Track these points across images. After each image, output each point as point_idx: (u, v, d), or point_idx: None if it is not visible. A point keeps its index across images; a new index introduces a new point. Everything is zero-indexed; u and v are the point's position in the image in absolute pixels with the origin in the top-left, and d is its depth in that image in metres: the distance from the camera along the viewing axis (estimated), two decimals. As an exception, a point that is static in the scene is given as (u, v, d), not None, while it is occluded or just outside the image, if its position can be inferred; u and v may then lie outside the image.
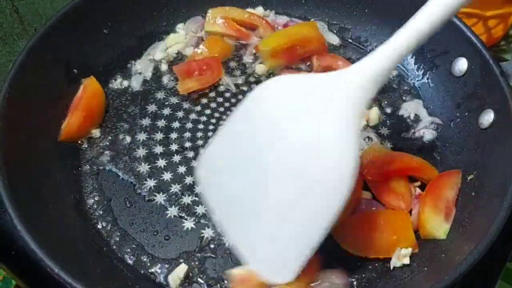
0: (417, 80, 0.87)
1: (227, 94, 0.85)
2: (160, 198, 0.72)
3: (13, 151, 0.65)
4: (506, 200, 0.62)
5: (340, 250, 0.67)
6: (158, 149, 0.77)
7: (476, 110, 0.75)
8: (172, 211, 0.71)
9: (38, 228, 0.60)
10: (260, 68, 0.88)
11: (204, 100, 0.84)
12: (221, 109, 0.83)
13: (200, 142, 0.78)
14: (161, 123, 0.81)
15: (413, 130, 0.81)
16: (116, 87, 0.85)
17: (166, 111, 0.82)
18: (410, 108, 0.84)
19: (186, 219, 0.70)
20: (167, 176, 0.74)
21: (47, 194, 0.68)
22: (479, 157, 0.72)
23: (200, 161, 0.66)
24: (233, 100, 0.84)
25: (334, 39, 0.94)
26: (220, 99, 0.84)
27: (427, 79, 0.86)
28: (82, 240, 0.67)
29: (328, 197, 0.55)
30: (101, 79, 0.83)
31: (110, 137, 0.78)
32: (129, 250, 0.68)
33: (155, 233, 0.69)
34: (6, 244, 0.68)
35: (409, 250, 0.66)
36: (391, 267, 0.66)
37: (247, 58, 0.90)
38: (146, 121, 0.81)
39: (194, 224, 0.70)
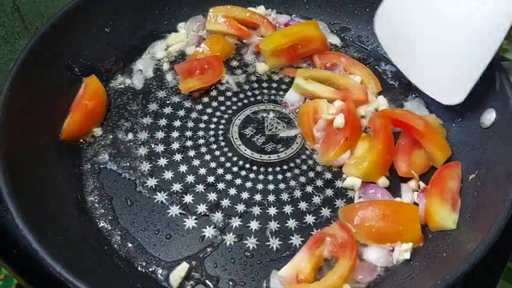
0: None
1: (229, 93, 0.85)
2: (161, 197, 0.72)
3: (15, 149, 0.65)
4: (508, 199, 0.62)
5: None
6: (159, 148, 0.77)
7: (478, 110, 0.75)
8: (173, 210, 0.71)
9: (40, 227, 0.60)
10: (261, 67, 0.88)
11: (206, 99, 0.84)
12: (223, 108, 0.83)
13: (201, 141, 0.78)
14: (162, 121, 0.81)
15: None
16: (117, 86, 0.85)
17: (167, 110, 0.82)
18: (412, 107, 0.85)
19: (187, 218, 0.70)
20: (168, 175, 0.74)
21: (49, 193, 0.68)
22: (480, 156, 0.72)
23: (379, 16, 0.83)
24: (234, 99, 0.85)
25: (335, 40, 0.94)
26: (221, 98, 0.84)
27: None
28: (83, 239, 0.67)
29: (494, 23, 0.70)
30: (103, 78, 0.83)
31: (111, 136, 0.78)
32: (130, 249, 0.68)
33: (156, 232, 0.69)
34: (7, 243, 0.68)
35: (410, 244, 0.67)
36: (393, 262, 0.67)
37: (249, 57, 0.91)
38: (147, 120, 0.81)
39: (195, 223, 0.70)
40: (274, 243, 0.69)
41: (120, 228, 0.69)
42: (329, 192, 0.74)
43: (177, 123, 0.80)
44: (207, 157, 0.77)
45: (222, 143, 0.78)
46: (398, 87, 0.87)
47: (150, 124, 0.80)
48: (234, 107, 0.83)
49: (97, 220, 0.70)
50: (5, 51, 0.95)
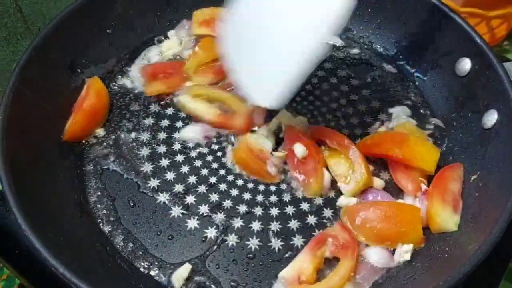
0: (420, 80, 0.87)
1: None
2: (163, 197, 0.72)
3: (17, 150, 0.66)
4: (509, 200, 0.62)
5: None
6: (161, 149, 0.77)
7: (479, 110, 0.75)
8: (176, 211, 0.71)
9: (42, 228, 0.60)
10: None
11: (207, 100, 0.84)
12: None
13: (203, 142, 0.78)
14: (164, 122, 0.81)
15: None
16: (119, 87, 0.85)
17: (169, 111, 0.82)
18: (397, 113, 0.84)
19: (189, 219, 0.70)
20: (170, 175, 0.75)
21: (51, 194, 0.68)
22: (482, 157, 0.72)
23: (227, 25, 0.74)
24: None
25: (336, 40, 0.94)
26: (223, 99, 0.85)
27: (431, 79, 0.86)
28: (85, 240, 0.67)
29: (310, 33, 0.66)
30: (105, 79, 0.83)
31: (113, 137, 0.79)
32: (132, 249, 0.68)
33: (158, 232, 0.69)
34: (10, 243, 0.68)
35: (410, 246, 0.67)
36: (394, 263, 0.67)
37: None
38: (149, 121, 0.81)
39: (197, 224, 0.70)
40: (276, 243, 0.69)
41: (122, 229, 0.70)
42: (330, 193, 0.74)
43: (179, 124, 0.80)
44: (209, 157, 0.77)
45: (224, 144, 0.78)
46: (400, 89, 0.87)
47: (152, 125, 0.80)
48: (236, 108, 0.83)
49: (100, 221, 0.70)
50: (7, 52, 0.95)
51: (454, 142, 0.78)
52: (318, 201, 0.73)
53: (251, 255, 0.68)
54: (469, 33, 0.77)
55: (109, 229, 0.70)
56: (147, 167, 0.75)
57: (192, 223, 0.70)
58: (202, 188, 0.73)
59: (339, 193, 0.74)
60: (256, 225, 0.70)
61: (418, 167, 0.73)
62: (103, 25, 0.84)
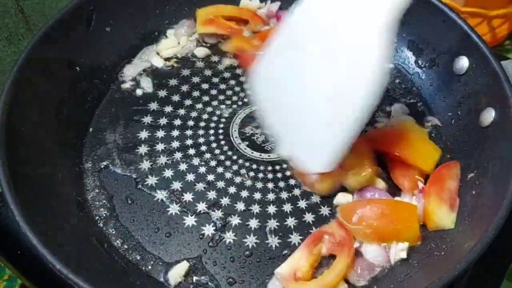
0: (418, 79, 0.87)
1: (229, 92, 0.86)
2: (161, 195, 0.73)
3: (15, 148, 0.66)
4: (506, 198, 0.62)
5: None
6: (160, 147, 0.78)
7: (477, 109, 0.75)
8: (173, 208, 0.71)
9: (40, 225, 0.60)
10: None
11: (206, 98, 0.85)
12: (223, 106, 0.83)
13: (201, 140, 0.79)
14: (162, 120, 0.81)
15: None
16: (118, 86, 0.85)
17: (168, 109, 0.83)
18: (396, 113, 0.84)
19: (187, 216, 0.71)
20: (168, 173, 0.75)
21: (49, 191, 0.68)
22: (479, 155, 0.72)
23: (255, 75, 0.73)
24: (234, 98, 0.85)
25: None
26: (221, 97, 0.85)
27: (428, 77, 0.86)
28: (83, 237, 0.67)
29: (359, 93, 0.62)
30: (104, 77, 0.84)
31: (111, 135, 0.79)
32: (130, 247, 0.68)
33: (156, 230, 0.69)
34: (11, 243, 0.68)
35: (406, 244, 0.67)
36: (391, 262, 0.67)
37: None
38: (147, 119, 0.81)
39: (195, 221, 0.70)
40: (274, 241, 0.69)
41: (120, 226, 0.70)
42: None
43: (177, 122, 0.81)
44: (207, 155, 0.77)
45: (222, 142, 0.79)
46: (397, 87, 0.87)
47: (150, 123, 0.81)
48: (235, 106, 0.84)
49: (97, 218, 0.70)
50: (9, 52, 0.96)
51: (451, 140, 0.78)
52: (316, 199, 0.73)
53: (248, 253, 0.68)
54: (467, 31, 0.77)
55: (107, 226, 0.70)
56: (145, 165, 0.76)
57: (190, 220, 0.70)
58: (200, 186, 0.74)
59: (336, 191, 0.74)
60: (253, 223, 0.70)
61: (416, 166, 0.73)
62: (102, 24, 0.84)
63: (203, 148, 0.78)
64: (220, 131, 0.80)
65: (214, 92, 0.86)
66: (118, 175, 0.75)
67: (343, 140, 0.65)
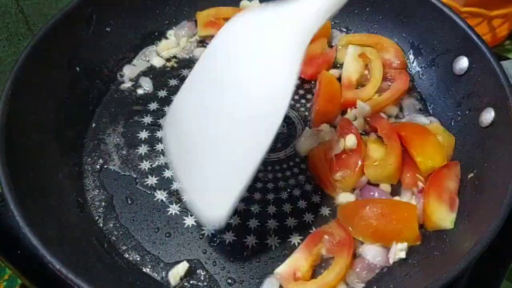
0: (418, 79, 0.87)
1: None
2: (161, 195, 0.73)
3: (16, 149, 0.66)
4: (506, 198, 0.62)
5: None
6: (160, 147, 0.78)
7: (477, 109, 0.75)
8: (173, 208, 0.71)
9: (40, 225, 0.60)
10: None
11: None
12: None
13: (201, 140, 0.79)
14: (162, 121, 0.81)
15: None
16: (118, 86, 0.85)
17: (168, 109, 0.82)
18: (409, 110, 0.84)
19: (187, 216, 0.71)
20: (168, 173, 0.75)
21: (49, 191, 0.68)
22: (479, 155, 0.72)
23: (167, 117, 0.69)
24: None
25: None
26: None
27: (428, 77, 0.86)
28: (83, 237, 0.67)
29: (260, 131, 0.58)
30: (104, 77, 0.84)
31: (112, 135, 0.79)
32: (130, 246, 0.68)
33: (156, 230, 0.70)
34: (11, 243, 0.68)
35: (405, 244, 0.67)
36: (390, 262, 0.67)
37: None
38: (147, 119, 0.81)
39: (194, 221, 0.70)
40: (273, 241, 0.69)
41: (120, 226, 0.70)
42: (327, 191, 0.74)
43: (177, 122, 0.81)
44: (207, 156, 0.77)
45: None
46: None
47: (150, 123, 0.81)
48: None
49: (97, 218, 0.70)
50: (9, 52, 0.96)
51: (451, 140, 0.78)
52: (316, 198, 0.73)
53: (248, 253, 0.68)
54: (467, 31, 0.77)
55: (107, 226, 0.70)
56: (145, 165, 0.76)
57: (190, 220, 0.70)
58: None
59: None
60: (253, 223, 0.70)
61: (418, 163, 0.73)
62: (102, 24, 0.84)
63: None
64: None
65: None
66: (118, 175, 0.75)
67: (240, 184, 0.59)
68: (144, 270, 0.66)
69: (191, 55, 0.90)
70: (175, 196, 0.73)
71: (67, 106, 0.78)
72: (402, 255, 0.66)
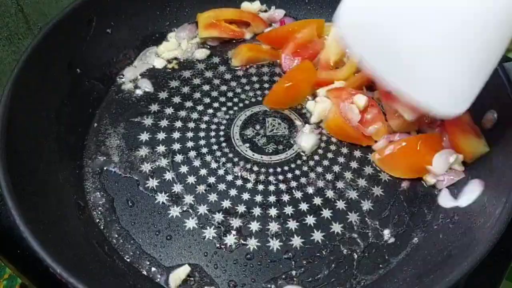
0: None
1: (230, 94, 0.86)
2: (162, 197, 0.72)
3: (16, 150, 0.66)
4: (509, 200, 0.62)
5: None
6: (160, 149, 0.78)
7: (480, 111, 0.74)
8: (174, 211, 0.71)
9: (41, 228, 0.60)
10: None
11: (207, 100, 0.84)
12: (224, 108, 0.83)
13: (202, 142, 0.79)
14: (163, 122, 0.81)
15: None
16: (119, 87, 0.85)
17: (169, 111, 0.82)
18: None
19: (187, 219, 0.70)
20: (169, 175, 0.75)
21: (50, 194, 0.68)
22: (482, 157, 0.72)
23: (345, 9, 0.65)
24: (235, 100, 0.85)
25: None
26: (222, 99, 0.85)
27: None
28: (84, 240, 0.67)
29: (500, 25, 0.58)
30: (104, 79, 0.84)
31: (112, 137, 0.79)
32: (130, 249, 0.68)
33: (157, 233, 0.69)
34: (11, 242, 0.68)
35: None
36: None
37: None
38: (148, 121, 0.81)
39: (196, 224, 0.70)
40: (275, 244, 0.69)
41: (121, 229, 0.70)
42: (329, 193, 0.74)
43: (178, 124, 0.81)
44: (208, 158, 0.77)
45: (223, 144, 0.78)
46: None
47: (151, 125, 0.80)
48: (236, 108, 0.83)
49: (98, 221, 0.70)
50: (9, 52, 0.96)
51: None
52: (317, 201, 0.73)
53: (249, 256, 0.67)
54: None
55: (108, 229, 0.70)
56: (146, 167, 0.75)
57: (191, 223, 0.70)
58: (201, 188, 0.73)
59: (338, 194, 0.74)
60: (254, 226, 0.70)
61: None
62: (103, 25, 0.84)
63: (204, 150, 0.78)
64: (221, 133, 0.80)
65: (215, 94, 0.85)
66: (119, 177, 0.74)
67: (481, 80, 0.61)
68: (144, 273, 0.66)
69: (191, 57, 0.90)
70: (176, 199, 0.72)
71: (67, 108, 0.77)
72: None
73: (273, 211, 0.71)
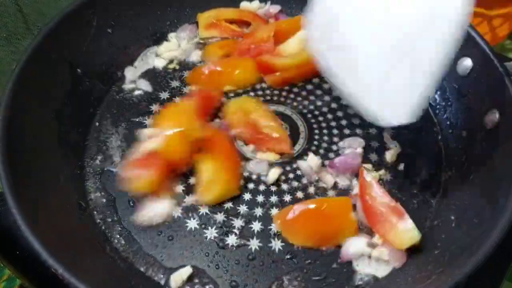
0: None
1: (231, 94, 0.86)
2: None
3: (17, 150, 0.65)
4: (510, 200, 0.62)
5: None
6: (162, 149, 0.77)
7: (481, 111, 0.74)
8: (176, 211, 0.71)
9: (42, 228, 0.60)
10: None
11: (208, 100, 0.84)
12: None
13: (203, 142, 0.78)
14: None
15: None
16: (120, 87, 0.85)
17: (170, 111, 0.82)
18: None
19: (189, 219, 0.70)
20: (170, 175, 0.74)
21: (51, 194, 0.68)
22: (483, 157, 0.72)
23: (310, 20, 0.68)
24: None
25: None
26: (223, 99, 0.84)
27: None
28: (85, 240, 0.67)
29: (444, 32, 0.59)
30: (105, 79, 0.83)
31: (114, 136, 0.79)
32: (132, 250, 0.68)
33: (158, 233, 0.69)
34: (10, 243, 0.68)
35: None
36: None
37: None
38: (150, 121, 0.81)
39: (197, 224, 0.70)
40: (277, 244, 0.68)
41: (123, 229, 0.69)
42: (331, 193, 0.74)
43: (179, 124, 0.80)
44: (209, 158, 0.77)
45: (224, 144, 0.78)
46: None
47: (152, 125, 0.80)
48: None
49: (100, 221, 0.70)
50: (7, 52, 0.96)
51: (456, 142, 0.78)
52: (319, 201, 0.73)
53: (251, 256, 0.67)
54: (470, 32, 0.77)
55: (109, 229, 0.69)
56: (147, 167, 0.75)
57: (192, 223, 0.70)
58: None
59: (339, 194, 0.74)
60: (256, 226, 0.70)
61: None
62: (103, 25, 0.84)
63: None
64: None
65: (215, 93, 0.85)
66: (120, 177, 0.74)
67: (424, 90, 0.61)
68: (146, 273, 0.66)
69: (192, 57, 0.90)
70: (178, 199, 0.72)
71: (68, 108, 0.77)
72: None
73: (274, 211, 0.71)
